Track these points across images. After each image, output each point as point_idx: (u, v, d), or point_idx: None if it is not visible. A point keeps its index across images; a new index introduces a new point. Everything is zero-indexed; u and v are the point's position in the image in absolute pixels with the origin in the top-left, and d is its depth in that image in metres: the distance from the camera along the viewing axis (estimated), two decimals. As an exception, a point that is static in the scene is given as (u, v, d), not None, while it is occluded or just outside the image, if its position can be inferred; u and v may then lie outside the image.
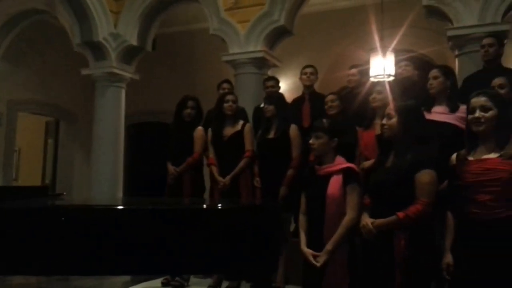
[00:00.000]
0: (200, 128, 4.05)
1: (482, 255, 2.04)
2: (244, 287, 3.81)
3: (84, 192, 6.68)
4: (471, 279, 2.07)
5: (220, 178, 3.80)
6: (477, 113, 2.12)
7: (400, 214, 2.18)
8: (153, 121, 7.54)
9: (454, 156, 2.26)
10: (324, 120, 2.74)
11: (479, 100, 2.14)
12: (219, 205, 2.58)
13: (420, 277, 2.21)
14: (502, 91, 2.96)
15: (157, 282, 4.07)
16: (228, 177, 3.76)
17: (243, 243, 2.26)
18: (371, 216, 2.32)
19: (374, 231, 2.25)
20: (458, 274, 2.13)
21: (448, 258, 2.19)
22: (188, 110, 4.03)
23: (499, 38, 3.80)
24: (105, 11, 5.95)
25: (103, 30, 5.93)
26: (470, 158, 2.17)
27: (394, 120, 2.32)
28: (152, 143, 4.77)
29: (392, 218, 2.21)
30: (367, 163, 3.18)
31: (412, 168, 2.22)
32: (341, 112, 3.72)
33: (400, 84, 4.05)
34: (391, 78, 4.82)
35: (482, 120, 2.11)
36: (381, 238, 2.24)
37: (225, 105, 3.87)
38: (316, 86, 4.99)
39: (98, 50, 6.03)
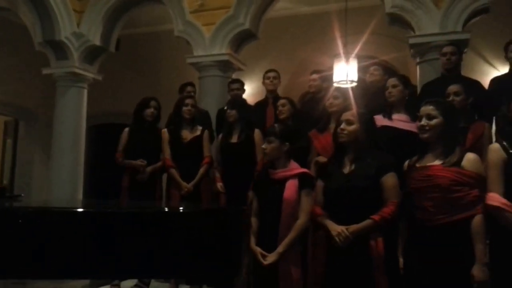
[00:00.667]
0: (165, 130, 4.03)
1: (428, 260, 2.12)
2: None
3: (43, 194, 6.48)
4: (421, 283, 2.15)
5: (184, 184, 3.78)
6: (423, 121, 2.22)
7: (376, 217, 2.22)
8: (115, 122, 7.39)
9: (406, 163, 2.35)
10: (276, 125, 2.80)
11: (426, 108, 2.25)
12: (181, 208, 2.57)
13: (398, 275, 2.26)
14: (457, 98, 3.07)
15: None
16: (191, 184, 3.76)
17: (206, 246, 2.27)
18: (335, 223, 2.31)
19: (351, 237, 2.25)
20: (409, 277, 2.21)
21: (400, 262, 2.27)
22: (152, 110, 4.00)
23: (459, 46, 3.94)
24: (68, 10, 5.81)
25: (65, 29, 5.79)
26: (418, 165, 2.26)
27: (354, 126, 2.36)
28: (114, 145, 4.71)
29: (367, 222, 2.23)
30: (321, 158, 3.20)
31: (378, 173, 2.28)
32: (292, 116, 3.77)
33: (366, 89, 4.15)
34: (354, 84, 4.93)
35: (427, 127, 2.21)
36: (356, 244, 2.25)
37: (184, 108, 3.87)
38: (280, 91, 5.04)
39: (60, 50, 5.87)
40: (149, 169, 3.92)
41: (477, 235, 2.07)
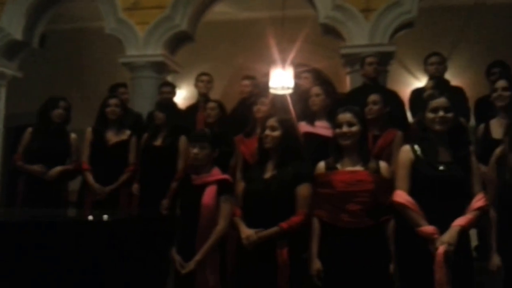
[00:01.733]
0: (89, 129, 3.73)
1: (351, 261, 2.18)
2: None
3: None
4: (342, 283, 2.19)
5: (97, 186, 3.52)
6: (344, 128, 2.30)
7: (284, 225, 2.26)
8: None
9: (322, 164, 2.39)
10: (206, 130, 2.77)
11: (346, 116, 2.33)
12: (105, 216, 2.41)
13: (301, 283, 2.28)
14: (375, 107, 3.18)
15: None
16: (109, 188, 3.53)
17: (130, 255, 2.14)
18: (249, 226, 2.34)
19: (258, 242, 2.28)
20: (328, 280, 2.24)
21: (317, 264, 2.27)
22: (60, 111, 3.68)
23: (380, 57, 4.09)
24: (-14, 2, 5.40)
25: (-17, 23, 5.37)
26: (340, 168, 2.32)
27: (278, 132, 2.40)
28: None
29: (275, 229, 2.27)
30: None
31: (294, 181, 2.33)
32: (220, 120, 3.73)
33: (301, 95, 4.16)
34: (290, 91, 4.97)
35: (349, 134, 2.30)
36: (263, 248, 2.28)
37: (107, 109, 3.65)
38: (218, 96, 4.97)
39: (-24, 44, 5.45)
40: (58, 169, 3.60)
41: (393, 236, 2.24)
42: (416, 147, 2.28)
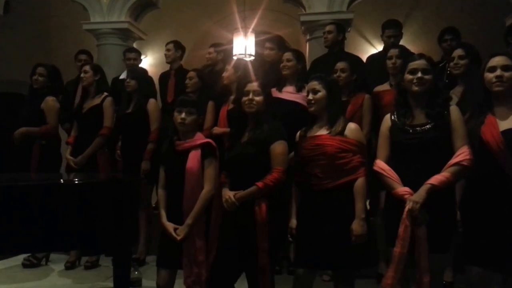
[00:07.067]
0: (51, 98, 3.57)
1: (317, 221, 2.22)
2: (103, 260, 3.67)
3: None
4: (311, 241, 2.23)
5: (70, 158, 3.47)
6: (309, 96, 2.30)
7: (260, 184, 2.20)
8: (6, 91, 6.65)
9: (298, 133, 2.40)
10: (192, 95, 2.71)
11: (311, 84, 2.32)
12: (75, 179, 2.39)
13: (278, 239, 2.29)
14: (343, 75, 3.17)
15: (16, 260, 3.68)
16: (79, 159, 3.45)
17: (101, 217, 2.14)
18: (232, 189, 2.30)
19: (237, 203, 2.24)
20: (301, 236, 2.28)
21: (293, 223, 2.31)
22: (36, 77, 3.56)
23: (340, 25, 3.96)
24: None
25: None
26: (308, 135, 2.33)
27: (261, 97, 2.32)
28: (6, 115, 4.21)
29: (252, 188, 2.22)
30: (218, 129, 3.29)
31: (268, 140, 2.27)
32: (200, 89, 3.64)
33: (263, 62, 4.13)
34: (252, 58, 4.93)
35: (313, 101, 2.29)
36: (243, 209, 2.25)
37: (82, 75, 3.56)
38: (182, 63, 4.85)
39: None
40: (21, 130, 3.50)
41: (358, 195, 2.18)
42: (395, 112, 2.26)
